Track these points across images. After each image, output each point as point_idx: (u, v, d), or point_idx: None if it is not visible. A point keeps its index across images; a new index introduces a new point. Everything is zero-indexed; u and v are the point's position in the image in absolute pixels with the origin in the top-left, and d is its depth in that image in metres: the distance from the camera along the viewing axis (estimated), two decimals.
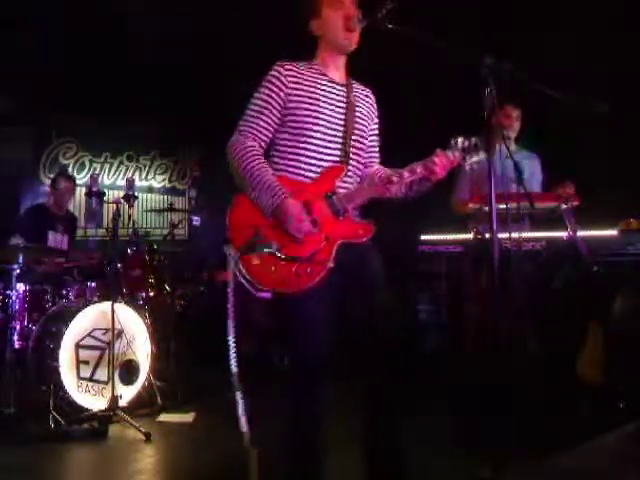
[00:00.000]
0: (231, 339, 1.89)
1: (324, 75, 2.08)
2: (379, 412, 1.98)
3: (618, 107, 2.34)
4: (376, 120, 2.23)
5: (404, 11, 1.88)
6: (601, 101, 2.04)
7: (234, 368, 1.89)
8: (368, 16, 1.97)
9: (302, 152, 1.99)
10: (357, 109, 2.11)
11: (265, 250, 1.87)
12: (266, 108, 1.99)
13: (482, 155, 1.99)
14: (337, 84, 2.09)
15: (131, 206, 4.22)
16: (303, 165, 1.99)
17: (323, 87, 2.05)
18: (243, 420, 1.87)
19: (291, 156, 2.00)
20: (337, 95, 2.07)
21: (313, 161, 2.00)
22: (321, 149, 2.01)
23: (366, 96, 2.19)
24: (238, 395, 1.88)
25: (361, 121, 2.12)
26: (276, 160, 2.03)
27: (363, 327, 1.97)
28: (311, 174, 1.99)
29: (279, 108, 2.00)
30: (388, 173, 2.07)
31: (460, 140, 2.01)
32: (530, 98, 2.25)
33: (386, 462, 1.96)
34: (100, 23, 5.00)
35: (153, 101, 5.91)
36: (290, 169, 2.00)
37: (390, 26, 1.92)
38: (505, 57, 1.81)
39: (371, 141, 2.21)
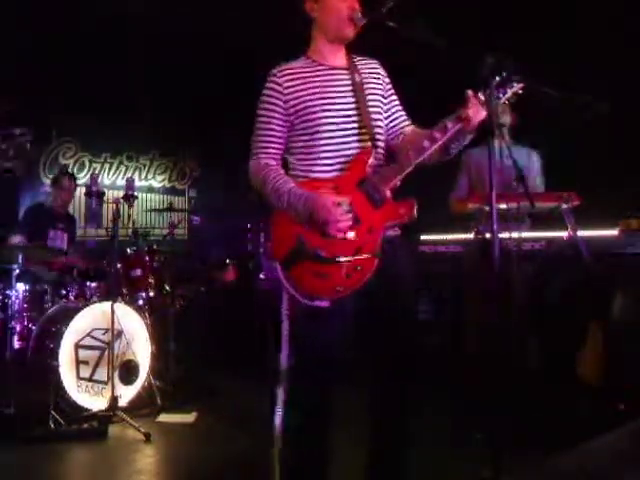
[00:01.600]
0: (284, 351, 1.86)
1: (322, 65, 2.01)
2: (387, 415, 1.96)
3: (618, 107, 2.34)
4: (389, 87, 2.11)
5: (404, 9, 1.88)
6: (601, 101, 2.03)
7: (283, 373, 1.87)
8: (369, 13, 1.93)
9: (322, 148, 1.93)
10: (366, 87, 2.01)
11: (311, 258, 1.82)
12: (270, 122, 1.97)
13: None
14: (339, 69, 2.02)
15: (131, 206, 4.22)
16: (324, 161, 1.93)
17: (324, 78, 1.99)
18: (277, 422, 1.86)
19: (311, 156, 1.95)
20: (341, 80, 2.00)
21: (333, 154, 1.93)
22: (339, 139, 1.94)
23: (372, 68, 2.09)
24: (279, 400, 1.86)
25: (374, 97, 2.02)
26: (296, 164, 1.99)
27: (385, 328, 1.92)
28: (336, 167, 1.93)
29: (283, 117, 1.97)
30: (419, 139, 1.91)
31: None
32: (530, 98, 2.24)
33: (389, 464, 1.95)
34: (100, 23, 5.00)
35: (153, 101, 5.92)
36: (314, 169, 1.95)
37: (391, 24, 1.91)
38: (505, 57, 1.81)
39: (391, 108, 2.09)
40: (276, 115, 1.96)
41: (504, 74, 1.81)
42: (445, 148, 1.93)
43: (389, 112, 2.08)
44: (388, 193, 1.89)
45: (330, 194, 1.86)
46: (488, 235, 2.99)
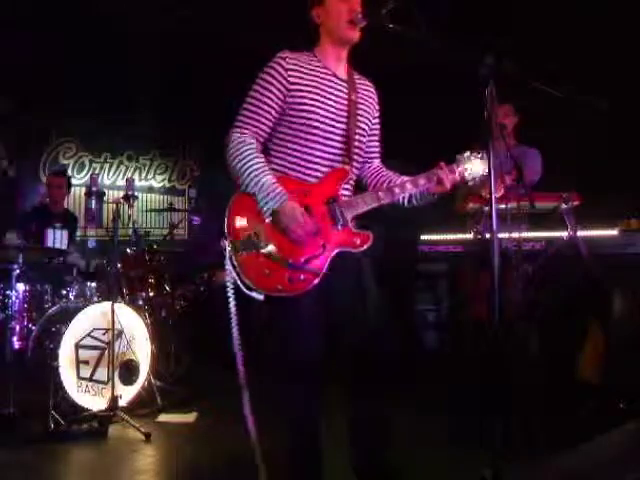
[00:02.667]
0: (235, 336, 1.87)
1: (326, 68, 2.01)
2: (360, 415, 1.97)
3: (618, 107, 2.34)
4: (377, 115, 2.17)
5: (405, 11, 1.88)
6: (601, 100, 2.03)
7: (240, 367, 1.87)
8: (370, 15, 1.94)
9: (303, 149, 1.95)
10: (359, 106, 2.05)
11: (262, 251, 1.85)
12: (266, 102, 1.93)
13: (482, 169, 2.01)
14: (339, 79, 2.03)
15: (131, 206, 4.22)
16: (304, 163, 1.95)
17: (326, 81, 1.99)
18: (250, 420, 1.86)
19: (291, 152, 1.95)
20: (339, 91, 2.01)
21: (315, 159, 1.95)
22: (323, 147, 1.96)
23: (367, 91, 2.13)
24: (245, 395, 1.87)
25: (363, 119, 2.06)
26: (275, 155, 1.98)
27: (347, 332, 1.96)
28: (312, 173, 1.95)
29: (280, 102, 1.93)
30: (390, 184, 2.04)
31: (467, 155, 2.04)
32: (530, 98, 2.24)
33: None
34: (100, 23, 5.00)
35: (153, 101, 5.92)
36: (290, 166, 1.95)
37: (391, 26, 1.91)
38: (505, 57, 1.81)
39: (372, 136, 2.15)
40: (274, 97, 1.92)
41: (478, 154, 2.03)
42: (410, 198, 2.05)
43: (368, 138, 2.13)
44: (350, 220, 1.95)
45: (298, 197, 1.89)
46: (488, 235, 3.00)
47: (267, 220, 1.87)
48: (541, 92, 1.86)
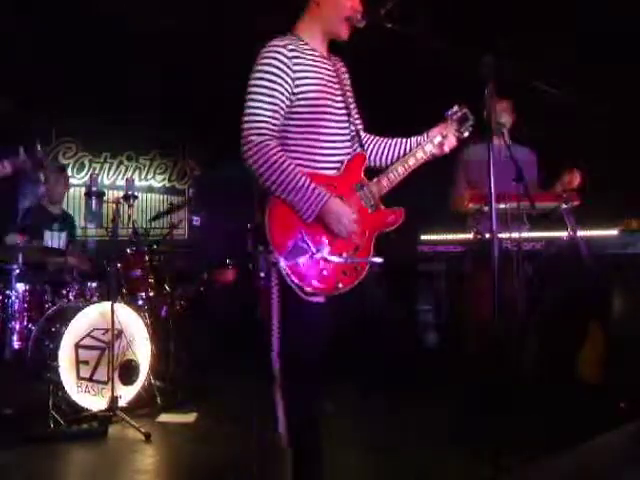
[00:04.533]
0: (275, 343, 1.85)
1: (315, 50, 1.95)
2: None
3: (618, 107, 2.34)
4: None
5: (404, 10, 1.88)
6: (601, 101, 2.04)
7: (276, 372, 1.86)
8: (368, 15, 1.93)
9: (319, 139, 1.89)
10: (346, 86, 2.05)
11: (315, 255, 1.81)
12: (276, 96, 1.82)
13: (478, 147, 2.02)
14: (326, 59, 1.99)
15: (131, 206, 4.22)
16: (321, 156, 1.90)
17: (320, 64, 1.94)
18: (281, 421, 1.86)
19: (308, 144, 1.88)
20: (331, 72, 1.98)
21: (331, 149, 1.91)
22: (336, 132, 1.93)
23: (344, 69, 2.11)
24: (277, 396, 1.86)
25: (352, 97, 2.06)
26: (289, 150, 1.87)
27: (350, 334, 1.98)
28: (331, 164, 1.92)
29: (288, 94, 1.83)
30: (398, 154, 2.06)
31: (455, 109, 2.07)
32: (530, 97, 2.24)
33: None
34: (100, 23, 4.99)
35: (153, 101, 5.92)
36: (308, 160, 1.89)
37: (390, 25, 1.91)
38: (505, 57, 1.81)
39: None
40: (282, 90, 1.82)
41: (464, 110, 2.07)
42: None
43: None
44: (380, 199, 1.96)
45: (329, 191, 1.85)
46: (488, 235, 3.00)
47: (306, 221, 1.82)
48: (541, 91, 1.86)
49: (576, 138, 4.03)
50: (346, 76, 2.10)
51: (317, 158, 1.90)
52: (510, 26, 4.35)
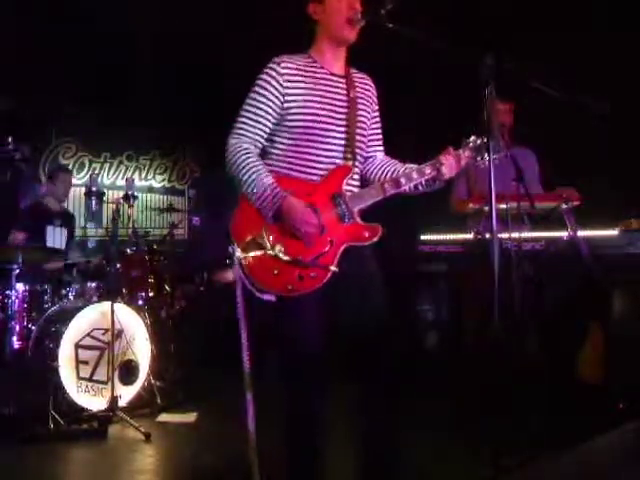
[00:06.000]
0: (243, 339, 1.86)
1: (322, 68, 2.01)
2: (374, 412, 1.95)
3: (618, 107, 2.34)
4: (376, 108, 2.17)
5: (404, 10, 1.88)
6: (601, 101, 2.04)
7: (246, 369, 1.85)
8: (368, 14, 1.94)
9: (305, 151, 1.95)
10: (359, 102, 2.05)
11: (268, 252, 1.85)
12: (261, 109, 1.94)
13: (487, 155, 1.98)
14: (336, 76, 2.03)
15: (131, 206, 4.22)
16: (306, 163, 1.95)
17: (323, 81, 1.99)
18: (251, 421, 1.86)
19: (293, 155, 1.96)
20: (337, 89, 2.01)
21: (317, 159, 1.95)
22: (324, 147, 1.96)
23: (365, 85, 2.13)
24: (248, 396, 1.86)
25: (363, 115, 2.06)
26: (277, 159, 1.98)
27: (355, 327, 1.95)
28: (315, 172, 1.95)
29: (276, 108, 1.94)
30: (396, 175, 2.03)
31: (472, 139, 2.02)
32: (530, 97, 2.24)
33: (379, 461, 1.95)
34: (100, 23, 4.99)
35: (153, 101, 5.91)
36: (294, 168, 1.95)
37: (390, 25, 1.91)
38: (505, 57, 1.81)
39: (372, 130, 2.15)
40: (270, 104, 1.94)
41: (483, 139, 1.98)
42: (416, 186, 2.03)
43: (369, 132, 2.12)
44: (357, 213, 1.95)
45: (303, 196, 1.89)
46: (488, 235, 3.00)
47: (267, 220, 1.88)
48: (541, 92, 1.86)
49: (576, 138, 4.03)
50: (365, 94, 2.10)
51: (303, 164, 1.95)
52: (510, 26, 4.36)
